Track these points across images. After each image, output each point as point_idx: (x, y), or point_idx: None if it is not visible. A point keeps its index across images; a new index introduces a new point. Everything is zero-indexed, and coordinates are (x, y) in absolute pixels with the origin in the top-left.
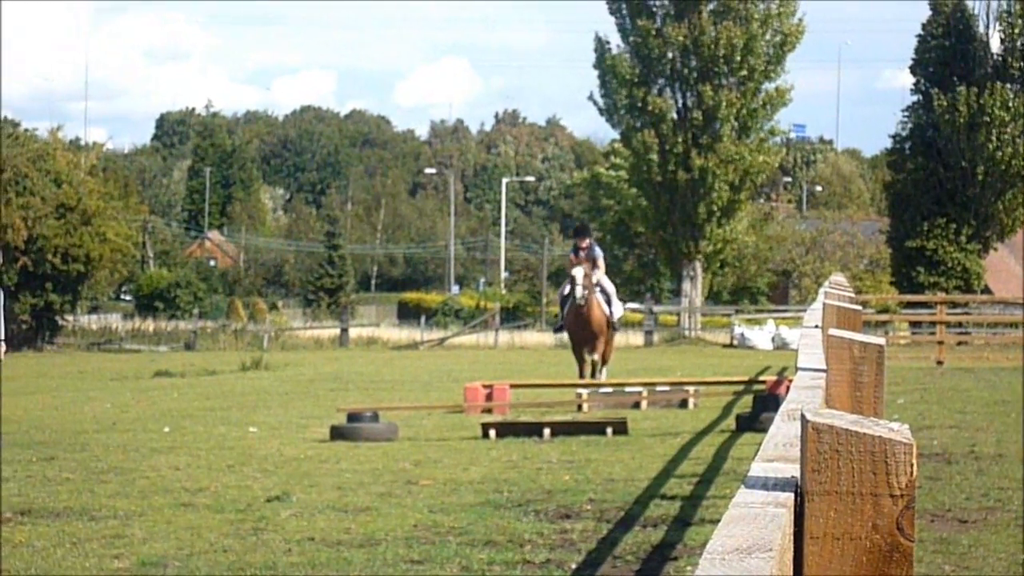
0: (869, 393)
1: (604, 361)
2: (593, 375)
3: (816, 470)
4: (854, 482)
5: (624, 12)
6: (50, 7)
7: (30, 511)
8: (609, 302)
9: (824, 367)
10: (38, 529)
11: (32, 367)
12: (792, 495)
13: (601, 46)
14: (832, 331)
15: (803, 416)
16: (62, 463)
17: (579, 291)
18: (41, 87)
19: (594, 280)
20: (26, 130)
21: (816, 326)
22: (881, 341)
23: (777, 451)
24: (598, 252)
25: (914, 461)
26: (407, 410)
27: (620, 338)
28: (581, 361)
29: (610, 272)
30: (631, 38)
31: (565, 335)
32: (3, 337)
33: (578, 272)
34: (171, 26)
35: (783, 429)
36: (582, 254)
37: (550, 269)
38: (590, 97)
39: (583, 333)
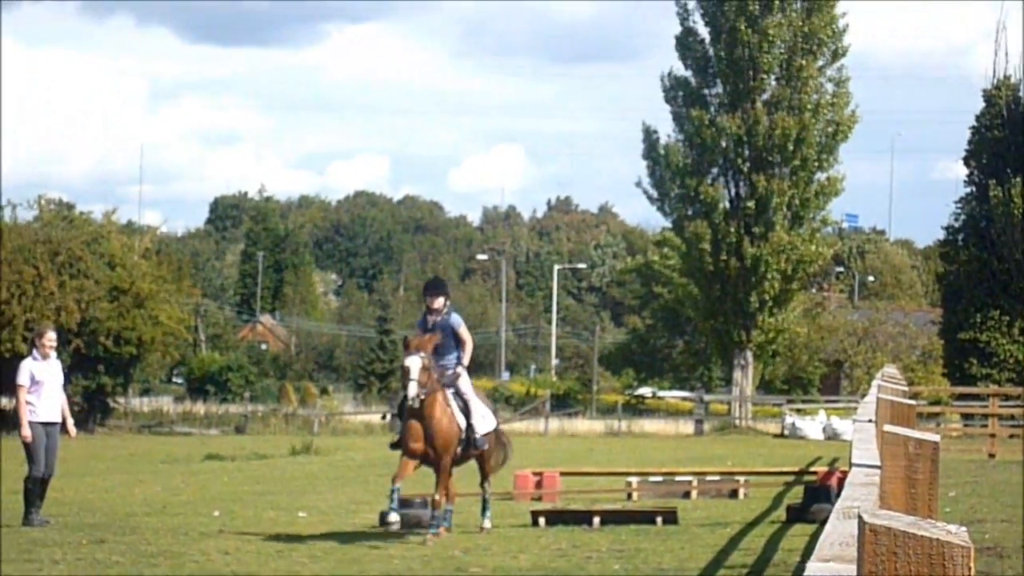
0: (924, 490)
1: (485, 475)
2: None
3: (874, 572)
4: None
5: (679, 101)
6: (107, 91)
7: None
8: (467, 411)
9: (879, 463)
10: None
11: (83, 449)
12: None
13: (649, 135)
14: (887, 427)
15: (860, 517)
16: (112, 546)
17: (412, 388)
18: (97, 170)
19: (440, 369)
20: (81, 213)
21: (870, 420)
22: (936, 438)
23: (833, 551)
24: (456, 321)
25: (972, 564)
26: (457, 496)
27: (670, 426)
28: (405, 470)
29: (661, 360)
30: (685, 127)
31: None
32: (67, 415)
33: (412, 363)
34: (226, 111)
35: (839, 528)
36: (432, 321)
37: (601, 354)
38: (639, 184)
39: (422, 447)
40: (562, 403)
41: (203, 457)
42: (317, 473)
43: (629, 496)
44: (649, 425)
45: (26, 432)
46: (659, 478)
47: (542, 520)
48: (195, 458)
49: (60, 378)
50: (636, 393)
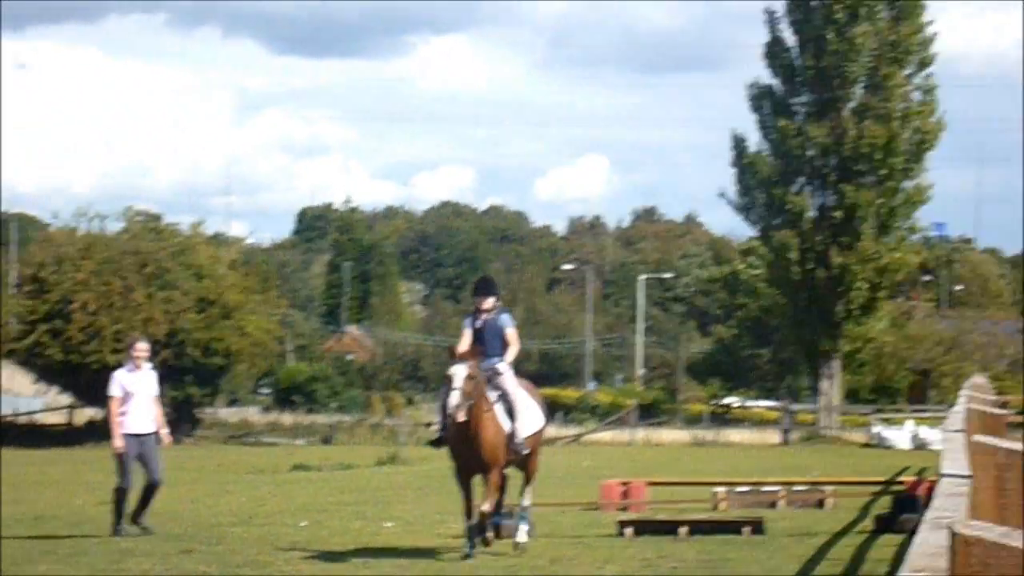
0: (1015, 500)
1: (528, 479)
2: (490, 516)
3: None
4: None
5: (766, 110)
6: (194, 103)
7: None
8: (512, 413)
9: (968, 473)
10: None
11: (170, 459)
12: None
13: (738, 144)
14: (977, 437)
15: (951, 528)
16: (199, 556)
17: (454, 398)
18: (184, 182)
19: (486, 373)
20: (168, 224)
21: (959, 430)
22: None
23: (923, 561)
24: (505, 320)
25: None
26: (543, 506)
27: (756, 436)
28: (467, 491)
29: (747, 369)
30: (771, 136)
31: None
32: (162, 423)
33: (457, 371)
34: (312, 122)
35: (929, 538)
36: (481, 322)
37: (687, 364)
38: (722, 195)
39: (468, 457)
40: (648, 413)
41: (290, 467)
42: (403, 483)
43: (715, 506)
44: (735, 435)
45: (118, 443)
46: (746, 488)
47: (628, 530)
48: (282, 468)
49: (153, 388)
50: (722, 403)
